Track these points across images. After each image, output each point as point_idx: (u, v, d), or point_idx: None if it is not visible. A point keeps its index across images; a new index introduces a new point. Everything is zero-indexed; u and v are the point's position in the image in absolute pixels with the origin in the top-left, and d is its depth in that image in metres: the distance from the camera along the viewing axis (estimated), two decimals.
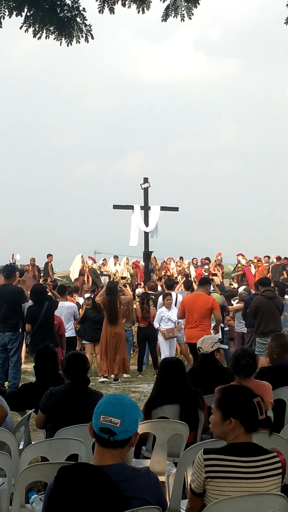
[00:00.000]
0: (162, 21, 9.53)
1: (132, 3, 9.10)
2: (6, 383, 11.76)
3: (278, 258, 26.12)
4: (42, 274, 25.07)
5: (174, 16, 9.43)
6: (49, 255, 25.60)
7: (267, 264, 26.23)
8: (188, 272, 24.50)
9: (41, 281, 20.96)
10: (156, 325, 14.48)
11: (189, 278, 20.32)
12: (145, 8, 9.20)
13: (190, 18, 9.47)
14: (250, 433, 3.63)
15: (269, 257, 27.59)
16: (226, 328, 14.96)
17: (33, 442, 5.84)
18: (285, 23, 9.52)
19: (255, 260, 26.53)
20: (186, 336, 12.41)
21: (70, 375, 5.72)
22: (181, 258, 27.29)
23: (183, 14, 9.41)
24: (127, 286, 18.30)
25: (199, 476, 3.51)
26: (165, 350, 14.36)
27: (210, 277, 15.78)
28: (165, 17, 9.45)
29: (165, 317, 14.35)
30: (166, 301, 14.48)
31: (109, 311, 13.76)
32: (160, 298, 14.85)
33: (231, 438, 3.64)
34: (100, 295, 14.31)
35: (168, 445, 5.50)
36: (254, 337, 12.93)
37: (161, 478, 5.05)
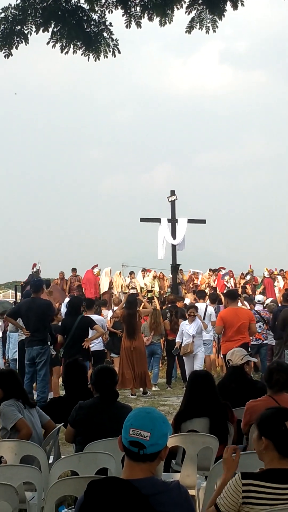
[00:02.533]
0: (186, 32, 9.55)
1: (154, 16, 9.13)
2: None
3: None
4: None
5: (199, 28, 9.44)
6: (73, 269, 25.69)
7: None
8: (210, 283, 24.52)
9: (67, 296, 20.95)
10: (177, 339, 13.95)
11: (217, 292, 20.25)
12: (167, 21, 9.23)
13: (214, 31, 9.47)
14: (286, 458, 3.59)
15: None
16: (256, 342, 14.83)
17: (62, 456, 5.86)
18: None
19: (280, 272, 26.41)
20: (225, 350, 12.15)
21: (99, 389, 5.73)
22: (210, 270, 27.21)
23: (208, 26, 9.42)
24: (155, 298, 18.32)
25: (234, 500, 3.44)
26: (186, 364, 13.91)
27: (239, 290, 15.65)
28: (190, 29, 9.46)
29: (184, 331, 13.77)
30: (189, 313, 13.91)
31: (128, 325, 13.76)
32: None
33: (266, 461, 3.61)
34: (120, 308, 14.35)
35: (198, 459, 5.48)
36: (283, 348, 12.87)
37: (191, 492, 5.02)
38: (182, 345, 13.62)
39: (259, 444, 3.65)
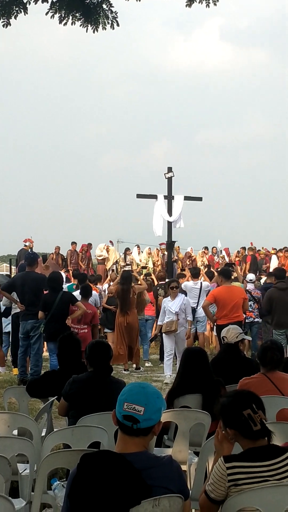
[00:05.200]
0: (186, 6, 9.49)
1: None
2: (16, 370, 11.88)
3: None
4: (66, 263, 25.14)
5: (199, 2, 9.38)
6: (73, 243, 25.71)
7: None
8: (204, 262, 24.66)
9: (63, 270, 20.99)
10: (159, 322, 13.04)
11: (211, 269, 20.29)
12: None
13: (215, 5, 9.42)
14: (259, 439, 3.60)
15: None
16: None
17: (55, 429, 5.87)
18: None
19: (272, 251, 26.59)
20: (220, 328, 12.13)
21: (93, 363, 5.73)
22: (205, 248, 27.33)
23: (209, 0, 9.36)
24: (152, 275, 18.34)
25: (221, 485, 3.45)
26: (167, 345, 12.81)
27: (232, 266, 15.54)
28: (190, 2, 9.40)
29: (166, 308, 12.66)
30: (172, 289, 12.88)
31: (122, 300, 13.75)
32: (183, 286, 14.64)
33: (242, 446, 3.64)
34: (115, 284, 14.35)
35: (190, 434, 5.50)
36: (272, 328, 12.95)
37: (183, 467, 5.05)
38: (165, 322, 12.61)
39: (226, 433, 3.70)
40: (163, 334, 12.92)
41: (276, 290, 12.67)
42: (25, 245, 22.33)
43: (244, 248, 26.84)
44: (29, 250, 20.87)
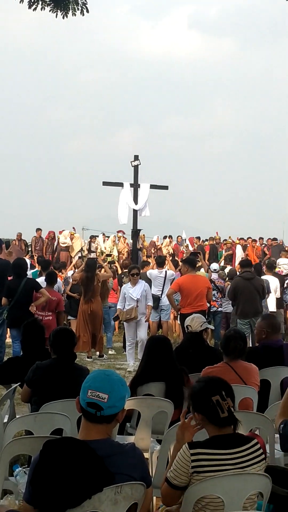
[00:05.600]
0: None
1: None
2: None
3: (274, 239, 26.52)
4: (29, 249, 25.00)
5: None
6: (38, 229, 25.55)
7: (261, 245, 26.64)
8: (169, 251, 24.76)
9: (27, 256, 20.86)
10: (118, 306, 12.78)
11: (175, 258, 20.33)
12: None
13: None
14: (224, 427, 3.64)
15: (262, 239, 27.95)
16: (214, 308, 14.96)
17: (17, 416, 5.85)
18: None
19: (238, 240, 26.90)
20: (183, 317, 12.09)
21: (57, 350, 5.72)
22: (169, 236, 27.39)
23: None
24: (116, 263, 18.32)
25: (184, 471, 3.47)
26: (128, 333, 12.74)
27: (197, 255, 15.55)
28: None
29: (127, 294, 12.49)
30: (132, 276, 12.68)
31: (86, 288, 13.71)
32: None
33: (208, 431, 3.68)
34: (79, 271, 14.30)
35: (153, 422, 5.52)
36: (235, 318, 13.00)
37: (145, 455, 5.07)
38: (124, 309, 12.46)
39: (195, 418, 3.74)
40: (124, 323, 12.88)
41: (242, 280, 12.74)
42: None
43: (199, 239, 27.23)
44: None
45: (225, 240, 27.06)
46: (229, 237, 27.91)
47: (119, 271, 16.74)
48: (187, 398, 3.93)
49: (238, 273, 14.85)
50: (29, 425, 4.89)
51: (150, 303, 12.88)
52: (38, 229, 25.61)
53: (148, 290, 12.87)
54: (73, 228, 25.94)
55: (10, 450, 4.26)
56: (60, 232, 25.08)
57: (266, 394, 6.45)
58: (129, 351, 12.71)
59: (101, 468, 2.95)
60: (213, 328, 13.08)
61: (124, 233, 25.34)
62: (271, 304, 15.22)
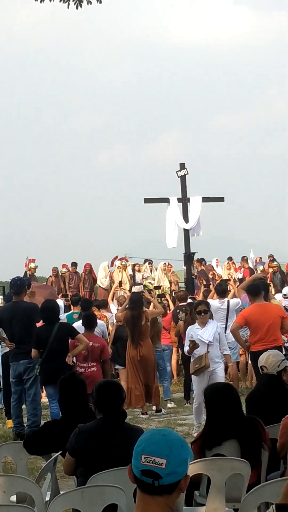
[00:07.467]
0: None
1: None
2: (10, 422, 11.83)
3: None
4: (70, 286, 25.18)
5: None
6: (73, 264, 25.81)
7: None
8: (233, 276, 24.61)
9: (59, 296, 20.99)
10: (185, 349, 12.03)
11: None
12: None
13: None
14: None
15: None
16: None
17: (61, 492, 5.87)
18: None
19: None
20: (254, 355, 11.71)
21: (102, 409, 5.73)
22: (229, 258, 27.25)
23: None
24: (166, 295, 18.30)
25: None
26: (196, 388, 11.78)
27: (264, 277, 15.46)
28: None
29: (194, 337, 11.64)
30: (199, 314, 11.85)
31: (132, 329, 13.61)
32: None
33: None
34: (122, 309, 14.21)
35: (226, 488, 5.49)
36: None
37: None
38: (192, 358, 11.74)
39: None
40: (192, 376, 12.21)
41: None
42: (31, 267, 22.23)
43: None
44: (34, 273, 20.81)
45: None
46: None
47: (171, 307, 16.66)
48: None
49: None
50: (75, 503, 4.90)
51: (228, 352, 12.21)
52: (73, 263, 25.79)
53: (222, 333, 12.18)
54: (116, 258, 25.78)
55: None
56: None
57: None
58: (196, 410, 11.80)
59: None
60: None
61: (127, 261, 25.04)
62: None
